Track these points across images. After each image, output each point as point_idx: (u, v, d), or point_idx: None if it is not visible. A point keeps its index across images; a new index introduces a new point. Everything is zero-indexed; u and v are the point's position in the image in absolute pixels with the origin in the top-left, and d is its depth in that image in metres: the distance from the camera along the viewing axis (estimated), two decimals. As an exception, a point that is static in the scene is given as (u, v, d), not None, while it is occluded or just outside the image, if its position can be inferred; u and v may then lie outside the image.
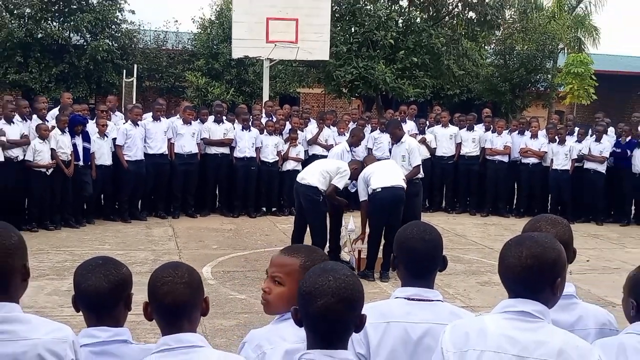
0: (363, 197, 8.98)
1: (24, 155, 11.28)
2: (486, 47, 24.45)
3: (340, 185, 9.15)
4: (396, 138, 9.32)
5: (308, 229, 9.39)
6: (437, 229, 2.90)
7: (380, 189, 8.79)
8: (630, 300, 2.74)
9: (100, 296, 2.62)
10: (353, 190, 10.23)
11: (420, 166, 9.94)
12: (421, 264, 2.80)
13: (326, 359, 2.21)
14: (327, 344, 2.23)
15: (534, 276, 2.38)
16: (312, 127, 14.45)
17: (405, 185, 8.96)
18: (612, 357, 2.58)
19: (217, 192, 13.97)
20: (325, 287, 2.20)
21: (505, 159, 14.60)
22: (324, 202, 9.27)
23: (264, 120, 14.06)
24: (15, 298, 2.46)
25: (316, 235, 9.20)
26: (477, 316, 2.48)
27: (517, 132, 14.77)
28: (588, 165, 14.06)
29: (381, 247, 9.07)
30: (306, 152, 14.02)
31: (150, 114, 13.18)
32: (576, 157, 14.07)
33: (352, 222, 9.56)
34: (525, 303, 2.39)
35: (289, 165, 13.76)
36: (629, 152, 13.95)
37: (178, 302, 2.44)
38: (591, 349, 2.38)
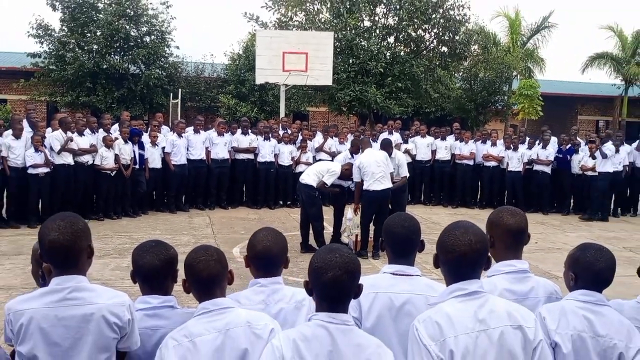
0: (357, 178, 8.89)
1: (93, 161, 11.36)
2: (456, 74, 24.35)
3: (328, 182, 9.11)
4: (389, 154, 9.29)
5: None
6: (416, 219, 2.88)
7: (371, 190, 8.78)
8: (570, 273, 2.73)
9: (153, 271, 2.65)
10: (347, 186, 10.21)
11: (407, 176, 9.84)
12: (402, 246, 2.80)
13: (330, 319, 2.22)
14: (333, 308, 2.25)
15: (481, 258, 2.36)
16: (318, 138, 14.40)
17: (391, 186, 8.90)
18: (556, 318, 2.58)
19: (244, 189, 13.95)
20: (334, 262, 2.22)
21: (471, 162, 14.56)
22: (319, 196, 9.30)
23: (281, 132, 14.04)
24: (83, 271, 2.48)
25: (315, 220, 9.21)
26: (434, 305, 2.37)
27: (480, 141, 14.72)
28: (537, 167, 14.02)
29: (372, 233, 9.06)
30: (314, 157, 13.96)
31: (192, 127, 13.17)
32: (527, 161, 14.05)
33: (350, 213, 9.54)
34: (471, 284, 2.34)
35: (301, 168, 13.61)
36: (568, 156, 13.94)
37: (212, 275, 2.46)
38: (527, 310, 2.38)
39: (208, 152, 13.07)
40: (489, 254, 2.44)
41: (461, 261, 2.34)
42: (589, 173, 13.54)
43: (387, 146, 9.42)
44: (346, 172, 9.24)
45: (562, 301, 2.68)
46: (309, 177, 9.17)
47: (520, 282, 2.77)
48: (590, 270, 2.64)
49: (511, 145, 14.15)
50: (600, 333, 2.54)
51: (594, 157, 13.40)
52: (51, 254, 2.41)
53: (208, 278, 2.46)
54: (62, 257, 2.40)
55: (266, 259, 2.73)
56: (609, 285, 2.67)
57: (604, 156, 13.19)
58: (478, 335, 2.25)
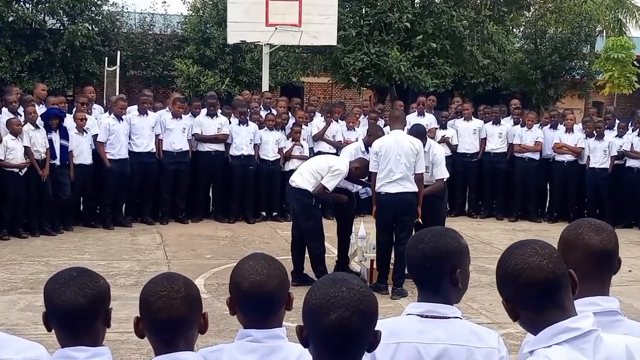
0: (374, 168, 8.88)
1: (-5, 155, 11.33)
2: (514, 30, 24.40)
3: (330, 186, 9.02)
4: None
5: None
6: (446, 235, 2.84)
7: (384, 193, 8.79)
8: None
9: (76, 312, 2.61)
10: (364, 197, 10.20)
11: (445, 179, 9.80)
12: (424, 275, 2.80)
13: (335, 383, 2.20)
14: (338, 365, 2.23)
15: (564, 280, 2.40)
16: (317, 121, 14.42)
17: (415, 189, 8.86)
18: None
19: (210, 195, 13.99)
20: (339, 298, 2.20)
21: (536, 156, 14.56)
22: (317, 206, 9.30)
23: (263, 114, 14.07)
24: None
25: (311, 240, 9.21)
26: (535, 355, 2.38)
27: (549, 126, 14.74)
28: (630, 163, 14.01)
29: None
30: (311, 149, 14.00)
31: (136, 107, 13.19)
32: (616, 153, 14.03)
33: (363, 229, 9.55)
34: (580, 320, 2.38)
35: (292, 165, 13.66)
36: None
37: (174, 318, 2.46)
38: None
39: (159, 142, 13.12)
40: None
41: (535, 280, 2.37)
42: None
43: (419, 135, 9.37)
44: (356, 172, 9.21)
45: None
46: (303, 178, 9.17)
47: (608, 327, 2.75)
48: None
49: (594, 132, 14.16)
50: None
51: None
52: None
53: (169, 322, 2.45)
54: None
55: (258, 301, 2.69)
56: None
57: None
58: None
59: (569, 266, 2.76)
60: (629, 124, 14.49)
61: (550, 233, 11.29)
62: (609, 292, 2.82)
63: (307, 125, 14.23)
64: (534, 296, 2.40)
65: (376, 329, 2.28)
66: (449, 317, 2.76)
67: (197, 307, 2.54)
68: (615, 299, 2.80)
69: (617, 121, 14.76)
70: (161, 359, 2.44)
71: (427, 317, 2.75)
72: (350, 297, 2.20)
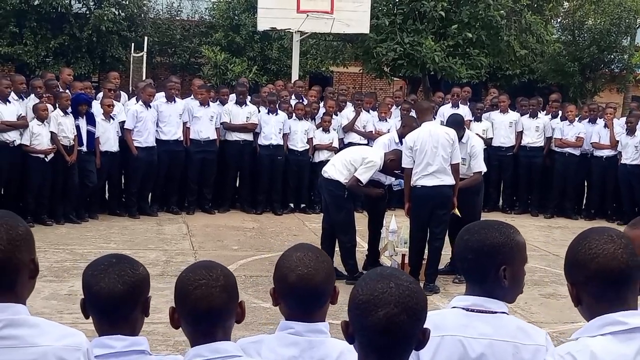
0: (407, 164, 8.82)
1: (21, 139, 11.39)
2: (553, 21, 24.20)
3: (363, 179, 8.96)
4: (458, 136, 9.14)
5: None
6: (496, 229, 2.79)
7: (420, 186, 8.75)
8: None
9: (114, 300, 2.62)
10: (396, 189, 10.18)
11: (482, 172, 9.77)
12: (475, 269, 2.77)
13: (381, 381, 2.19)
14: (385, 364, 2.21)
15: (635, 273, 2.43)
16: (347, 112, 14.40)
17: (452, 182, 8.83)
18: None
19: (238, 185, 14.01)
20: (387, 295, 2.18)
21: (577, 151, 14.41)
22: (350, 198, 9.27)
23: (293, 103, 14.07)
24: (22, 298, 2.47)
25: (342, 233, 9.20)
26: (578, 340, 2.42)
27: (587, 120, 14.60)
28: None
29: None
30: (341, 140, 13.99)
31: (163, 93, 13.23)
32: None
33: (394, 222, 9.52)
34: (631, 316, 2.39)
35: (322, 156, 13.71)
36: None
37: (214, 308, 2.46)
38: None
39: (187, 130, 13.16)
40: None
41: (607, 269, 2.39)
42: None
43: (457, 125, 9.30)
44: (391, 164, 9.16)
45: None
46: (335, 169, 9.14)
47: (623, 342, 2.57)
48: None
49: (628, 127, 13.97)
50: None
51: None
52: None
53: (208, 312, 2.45)
54: None
55: (305, 294, 2.68)
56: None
57: None
58: None
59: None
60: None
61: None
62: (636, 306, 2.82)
63: (337, 115, 14.21)
64: (602, 284, 2.42)
65: (425, 326, 2.27)
66: (496, 312, 2.74)
67: (235, 296, 2.54)
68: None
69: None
70: (199, 349, 2.44)
71: (473, 311, 2.73)
72: (399, 294, 2.18)
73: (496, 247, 2.73)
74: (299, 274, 2.67)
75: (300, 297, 2.70)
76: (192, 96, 13.61)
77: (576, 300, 2.50)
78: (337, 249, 9.33)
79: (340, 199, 9.15)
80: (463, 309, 2.75)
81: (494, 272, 2.72)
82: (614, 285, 2.42)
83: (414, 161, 8.72)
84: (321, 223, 9.71)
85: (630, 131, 13.84)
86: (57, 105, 11.70)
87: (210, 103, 13.39)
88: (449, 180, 8.77)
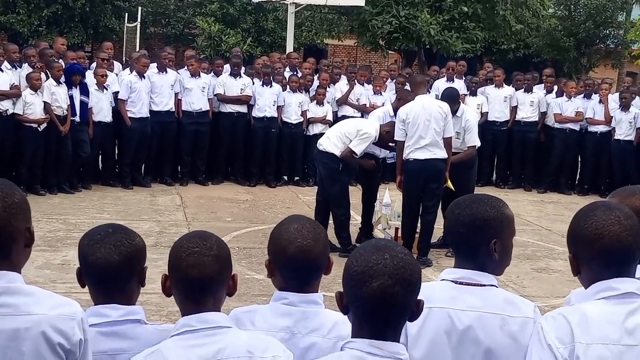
0: (400, 137, 8.81)
1: (14, 109, 11.36)
2: (548, -5, 24.17)
3: (358, 150, 8.96)
4: (452, 110, 9.13)
5: None
6: (486, 202, 2.80)
7: (413, 160, 8.75)
8: None
9: (110, 270, 2.63)
10: (390, 162, 10.19)
11: (476, 147, 9.79)
12: (465, 242, 2.78)
13: (373, 350, 2.20)
14: (378, 334, 2.22)
15: (637, 244, 2.47)
16: (341, 85, 14.39)
17: (444, 156, 8.82)
18: None
19: (230, 156, 13.99)
20: (381, 266, 2.19)
21: (577, 127, 14.40)
22: (344, 171, 9.27)
23: (287, 75, 14.02)
24: (18, 266, 2.47)
25: (336, 206, 9.20)
26: (573, 305, 2.52)
27: (583, 95, 14.60)
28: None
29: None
30: (335, 113, 13.98)
31: (155, 64, 13.17)
32: None
33: (387, 196, 9.54)
34: (624, 282, 2.45)
35: (316, 129, 13.73)
36: None
37: (205, 276, 2.44)
38: None
39: (179, 101, 13.12)
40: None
41: (611, 250, 2.45)
42: None
43: (451, 99, 9.29)
44: (387, 136, 9.14)
45: None
46: (330, 142, 9.14)
47: (615, 305, 2.60)
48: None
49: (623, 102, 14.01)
50: None
51: None
52: None
53: (199, 280, 2.44)
54: None
55: (304, 265, 2.69)
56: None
57: None
58: (623, 350, 2.38)
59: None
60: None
61: (580, 206, 11.22)
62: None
63: (330, 88, 14.19)
64: (604, 263, 2.48)
65: (419, 298, 2.28)
66: (485, 285, 2.74)
67: (227, 267, 2.53)
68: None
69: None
70: (188, 319, 2.43)
71: (461, 283, 2.74)
72: (393, 265, 2.19)
73: (488, 221, 2.74)
74: (298, 245, 2.67)
75: (298, 268, 2.70)
76: (185, 67, 13.54)
77: (575, 270, 2.57)
78: (330, 221, 9.34)
79: (335, 172, 9.14)
80: (452, 281, 2.76)
81: (485, 246, 2.73)
82: (616, 264, 2.47)
83: (407, 134, 8.72)
84: (315, 196, 9.72)
85: (625, 107, 13.86)
86: (49, 75, 11.65)
87: (202, 74, 13.36)
88: (442, 153, 8.76)
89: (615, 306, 2.43)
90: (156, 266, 6.87)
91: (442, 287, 2.76)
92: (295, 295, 2.71)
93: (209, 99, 13.31)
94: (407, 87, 12.73)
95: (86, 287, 2.74)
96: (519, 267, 8.87)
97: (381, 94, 14.04)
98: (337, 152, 8.99)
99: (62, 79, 11.72)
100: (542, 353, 2.42)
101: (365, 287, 2.18)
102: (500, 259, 2.75)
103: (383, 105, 11.90)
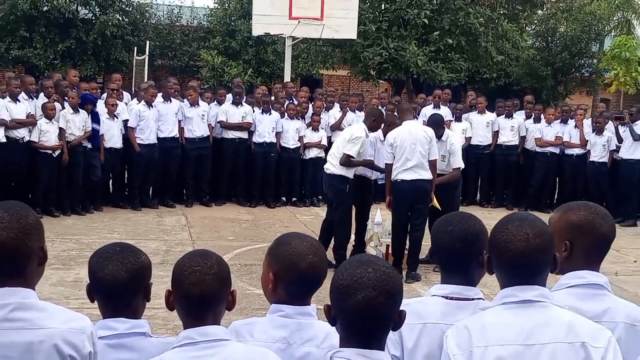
0: (389, 160, 8.88)
1: (30, 136, 11.39)
2: (527, 28, 24.25)
3: (353, 152, 9.00)
4: (438, 135, 9.19)
5: None
6: (475, 220, 2.85)
7: (400, 181, 8.78)
8: None
9: (118, 286, 2.64)
10: (381, 182, 10.19)
11: (460, 169, 9.81)
12: (451, 258, 2.80)
13: (360, 358, 2.20)
14: (364, 343, 2.23)
15: (541, 256, 2.47)
16: (334, 112, 14.43)
17: (429, 177, 8.85)
18: None
19: (233, 180, 13.94)
20: (365, 279, 2.20)
21: (557, 150, 14.45)
22: (349, 193, 9.25)
23: (286, 103, 14.05)
24: (31, 284, 2.48)
25: (339, 226, 9.22)
26: (475, 315, 2.54)
27: (559, 120, 14.63)
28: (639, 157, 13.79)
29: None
30: (329, 138, 13.97)
31: (161, 94, 13.18)
32: (615, 148, 13.94)
33: (379, 215, 9.53)
34: (525, 290, 2.46)
35: (312, 153, 13.80)
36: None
37: (205, 293, 2.45)
38: (601, 327, 2.46)
39: (181, 128, 13.13)
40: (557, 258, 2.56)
41: (516, 262, 2.46)
42: None
43: (436, 125, 9.34)
44: (374, 124, 9.33)
45: None
46: (332, 164, 9.22)
47: (592, 299, 2.76)
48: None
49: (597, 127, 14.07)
50: None
51: (620, 140, 13.74)
52: None
53: (200, 297, 2.45)
54: (3, 263, 2.39)
55: (311, 280, 2.69)
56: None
57: (637, 138, 13.48)
58: (519, 350, 2.38)
59: (575, 247, 2.80)
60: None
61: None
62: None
63: (325, 114, 14.23)
64: (509, 273, 2.50)
65: (401, 308, 2.28)
66: (473, 299, 2.77)
67: (227, 284, 2.53)
68: (603, 276, 2.84)
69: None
70: (189, 332, 2.43)
71: (452, 298, 2.76)
72: (376, 278, 2.20)
73: (478, 234, 2.79)
74: (309, 261, 2.66)
75: (306, 282, 2.69)
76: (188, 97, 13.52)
77: (489, 271, 2.61)
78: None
79: (341, 193, 9.20)
80: (442, 297, 2.77)
81: (477, 258, 2.76)
82: (520, 276, 2.48)
83: (394, 157, 8.76)
84: (325, 215, 9.72)
85: (599, 131, 13.91)
86: (64, 105, 11.69)
87: (201, 102, 13.35)
88: (427, 175, 8.80)
89: (512, 310, 2.44)
90: (163, 282, 6.82)
91: (434, 303, 2.78)
92: (291, 307, 2.70)
93: (208, 124, 13.32)
94: (401, 104, 12.83)
95: (96, 302, 2.74)
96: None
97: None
98: (342, 172, 9.08)
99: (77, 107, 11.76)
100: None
101: (351, 299, 2.19)
102: (483, 270, 2.78)
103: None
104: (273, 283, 2.74)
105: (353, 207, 9.59)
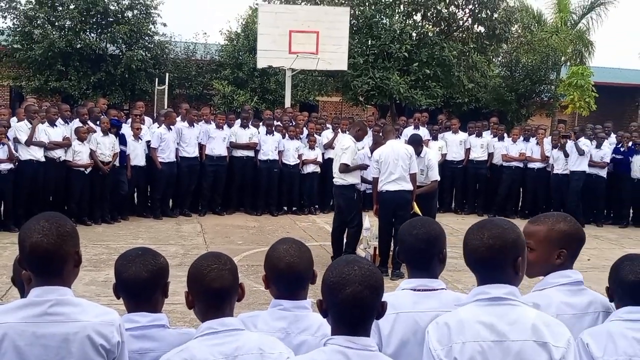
0: (375, 174, 8.93)
1: (66, 156, 11.41)
2: (494, 59, 24.31)
3: (347, 160, 9.13)
4: (417, 152, 9.26)
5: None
6: (434, 224, 2.90)
7: (385, 191, 8.82)
8: (609, 287, 2.86)
9: (139, 284, 2.66)
10: (369, 192, 10.22)
11: (437, 181, 9.83)
12: (416, 257, 2.83)
13: (349, 344, 2.22)
14: (352, 331, 2.24)
15: (495, 255, 2.43)
16: (327, 133, 14.43)
17: (410, 188, 8.89)
18: (602, 344, 2.64)
19: (241, 192, 13.93)
20: (352, 276, 2.23)
21: (522, 164, 14.48)
22: (358, 200, 9.45)
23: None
24: (68, 282, 2.49)
25: (351, 226, 9.36)
26: (452, 311, 2.52)
27: (522, 139, 14.66)
28: (590, 170, 13.91)
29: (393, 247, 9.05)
30: (323, 155, 14.04)
31: (180, 118, 13.20)
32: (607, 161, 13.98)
33: (367, 221, 9.53)
34: (496, 288, 2.44)
35: (309, 168, 13.86)
36: (630, 158, 13.90)
37: (225, 286, 2.48)
38: (563, 328, 2.45)
39: (202, 148, 13.13)
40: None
41: (475, 259, 2.47)
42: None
43: (416, 143, 9.40)
44: (360, 133, 9.46)
45: (607, 323, 2.73)
46: (337, 177, 9.35)
47: (577, 294, 2.82)
48: (627, 283, 2.72)
49: (559, 144, 14.07)
50: None
51: (566, 154, 13.78)
52: (32, 260, 2.42)
53: (220, 291, 2.47)
54: (44, 264, 2.41)
55: (291, 277, 2.73)
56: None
57: (581, 153, 13.53)
58: (492, 346, 2.36)
59: (568, 252, 2.84)
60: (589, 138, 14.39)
61: (521, 227, 11.28)
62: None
63: (319, 135, 14.26)
64: (477, 269, 2.50)
65: (383, 300, 2.31)
66: (437, 289, 2.80)
67: (237, 278, 2.56)
68: (579, 272, 2.89)
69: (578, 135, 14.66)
70: (210, 323, 2.45)
71: (419, 290, 2.78)
72: (361, 274, 2.23)
73: (439, 236, 2.83)
74: (287, 262, 2.72)
75: (287, 280, 2.73)
76: (203, 121, 13.52)
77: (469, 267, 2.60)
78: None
79: (351, 201, 9.31)
80: (411, 289, 2.80)
81: (438, 256, 2.82)
82: (486, 273, 2.47)
83: (380, 171, 8.81)
84: (333, 222, 9.77)
85: (561, 147, 13.88)
86: (95, 129, 11.72)
87: (224, 127, 13.36)
88: (408, 186, 8.85)
89: (484, 309, 2.42)
90: (181, 281, 6.82)
91: (404, 295, 2.80)
92: (289, 302, 2.73)
93: (227, 146, 13.33)
94: (385, 126, 12.85)
95: (120, 299, 2.76)
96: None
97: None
98: (348, 182, 9.21)
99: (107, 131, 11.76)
100: (425, 356, 2.45)
101: (341, 293, 2.21)
102: (443, 265, 2.85)
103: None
104: (265, 282, 2.81)
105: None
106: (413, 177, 8.95)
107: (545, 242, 2.82)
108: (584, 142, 13.75)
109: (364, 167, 9.54)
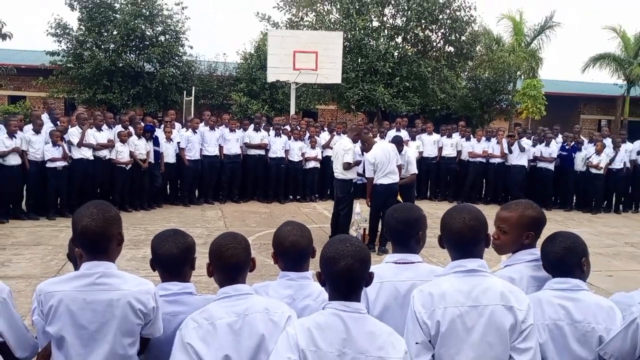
0: (370, 174, 8.89)
1: (110, 155, 11.39)
2: (461, 74, 24.26)
3: (349, 159, 9.15)
4: (399, 150, 9.29)
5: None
6: (414, 209, 2.88)
7: (379, 184, 8.81)
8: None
9: (171, 259, 2.66)
10: (359, 183, 10.19)
11: (416, 174, 9.89)
12: (398, 235, 2.82)
13: (344, 308, 2.23)
14: (346, 297, 2.24)
15: (474, 233, 2.45)
16: (324, 135, 14.42)
17: (398, 180, 8.91)
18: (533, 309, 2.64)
19: (255, 184, 13.90)
20: (345, 251, 2.23)
21: (484, 160, 14.40)
22: (353, 194, 9.41)
23: (290, 128, 14.01)
24: (113, 258, 2.51)
25: (344, 212, 9.35)
26: (435, 279, 2.51)
27: (485, 139, 14.65)
28: (540, 164, 13.95)
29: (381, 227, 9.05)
30: (321, 153, 14.02)
31: (203, 123, 13.19)
32: (532, 158, 13.98)
33: (358, 207, 9.54)
34: (470, 262, 2.45)
35: (310, 164, 13.81)
36: (573, 154, 13.91)
37: (240, 261, 2.50)
38: (523, 294, 2.47)
39: (221, 148, 13.09)
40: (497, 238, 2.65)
41: (458, 239, 2.46)
42: (593, 170, 13.65)
43: (398, 143, 9.43)
44: (357, 137, 9.36)
45: (539, 292, 2.71)
46: (339, 171, 9.34)
47: (540, 270, 2.82)
48: (554, 258, 2.70)
49: (519, 143, 14.04)
50: (577, 319, 2.58)
51: (510, 151, 13.84)
52: (83, 240, 2.44)
53: (235, 265, 2.49)
54: (93, 243, 2.43)
55: (295, 253, 2.73)
56: (580, 269, 2.68)
57: (522, 149, 13.65)
58: (468, 310, 2.38)
59: (537, 234, 2.85)
60: (540, 138, 14.39)
61: (486, 212, 11.24)
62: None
63: (318, 137, 14.21)
64: (453, 247, 2.51)
65: (370, 271, 2.31)
66: (414, 262, 2.80)
67: (250, 254, 2.57)
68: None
69: (532, 136, 14.64)
70: (226, 289, 2.48)
71: (400, 263, 2.79)
72: (353, 250, 2.24)
73: (416, 220, 2.82)
74: (291, 240, 2.72)
75: (292, 255, 2.74)
76: (223, 125, 13.49)
77: (441, 245, 2.61)
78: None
79: (347, 193, 9.33)
80: (393, 263, 2.80)
81: (415, 236, 2.80)
82: (460, 249, 2.48)
83: (375, 171, 8.78)
84: (333, 208, 9.73)
85: (519, 145, 13.84)
86: (132, 133, 11.72)
87: (236, 130, 13.33)
88: (396, 179, 8.87)
89: (462, 279, 2.43)
90: (205, 257, 6.84)
91: (387, 267, 2.80)
92: (294, 273, 2.74)
93: (240, 146, 13.28)
94: (364, 132, 12.76)
95: (156, 271, 2.76)
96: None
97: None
98: (347, 176, 9.23)
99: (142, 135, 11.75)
100: (409, 317, 2.44)
101: (336, 266, 2.21)
102: (423, 243, 2.85)
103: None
104: (274, 258, 2.80)
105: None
106: (398, 168, 9.00)
107: (517, 226, 2.82)
108: (525, 142, 13.82)
109: (357, 162, 9.53)
